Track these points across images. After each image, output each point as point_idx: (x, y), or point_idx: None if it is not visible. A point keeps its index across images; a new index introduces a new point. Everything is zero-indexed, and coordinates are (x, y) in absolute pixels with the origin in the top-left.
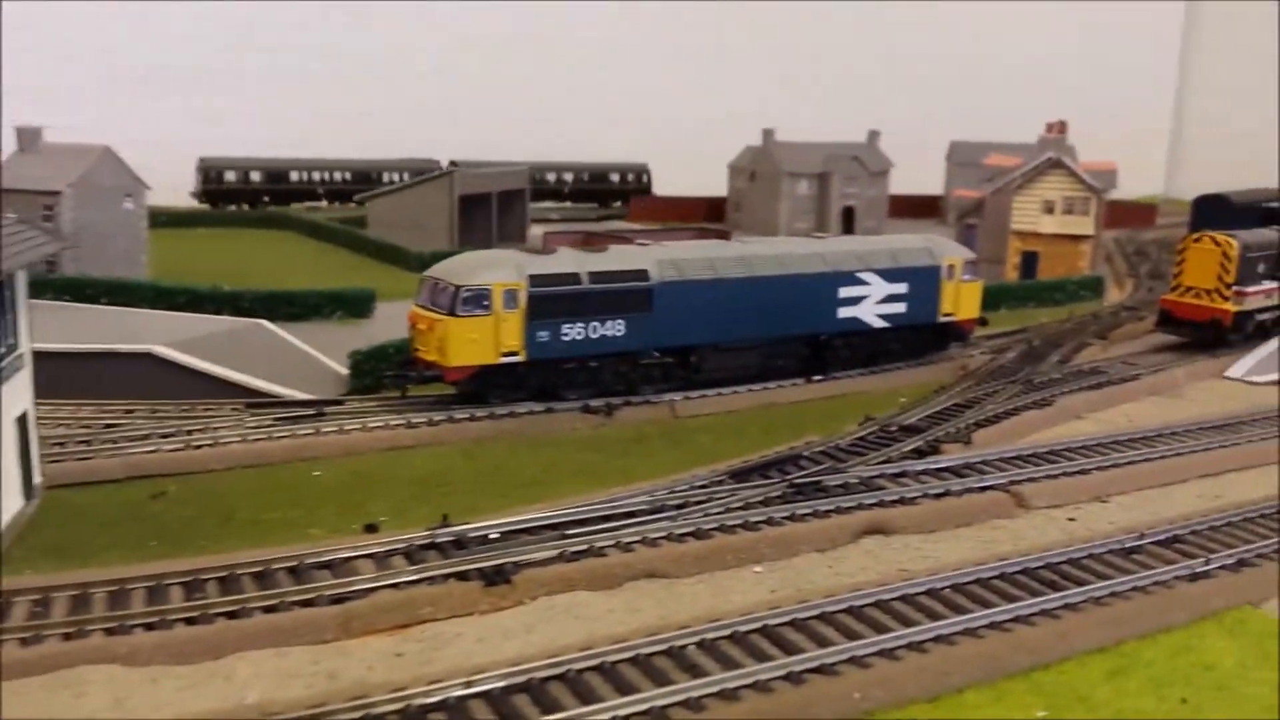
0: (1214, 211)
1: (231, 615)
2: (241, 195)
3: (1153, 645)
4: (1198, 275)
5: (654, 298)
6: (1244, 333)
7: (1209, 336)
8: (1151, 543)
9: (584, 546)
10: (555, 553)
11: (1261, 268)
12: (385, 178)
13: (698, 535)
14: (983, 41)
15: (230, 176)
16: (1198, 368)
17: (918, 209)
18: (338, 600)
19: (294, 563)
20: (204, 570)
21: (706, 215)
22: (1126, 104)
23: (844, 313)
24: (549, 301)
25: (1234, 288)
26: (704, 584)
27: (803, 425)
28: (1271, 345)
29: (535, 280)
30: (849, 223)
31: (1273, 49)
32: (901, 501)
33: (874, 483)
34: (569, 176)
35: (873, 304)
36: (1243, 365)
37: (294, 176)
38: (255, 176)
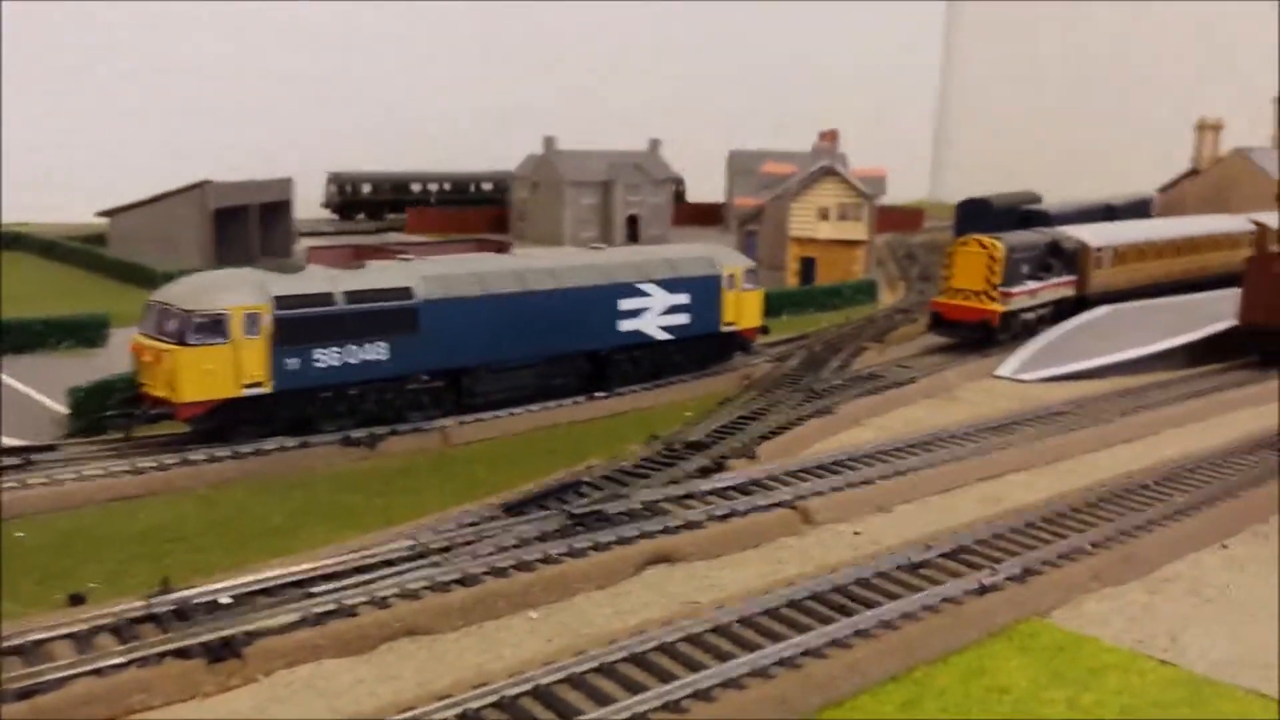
0: (976, 214)
1: None
2: (370, 206)
3: (945, 670)
4: (966, 277)
5: (419, 317)
6: (1011, 332)
7: (979, 337)
8: (938, 555)
9: (332, 606)
10: (297, 616)
11: (1025, 268)
12: (474, 188)
13: (465, 582)
14: (762, 49)
15: (365, 189)
16: (969, 368)
17: (701, 217)
18: (24, 695)
19: None
20: None
21: (491, 226)
22: (892, 109)
23: (625, 326)
24: (298, 325)
25: (1000, 289)
26: (471, 638)
27: (585, 447)
28: (1037, 343)
29: (282, 302)
30: (634, 231)
31: (1031, 49)
32: (687, 526)
33: (658, 507)
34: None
35: (654, 316)
36: (1011, 364)
37: (414, 188)
38: (368, 188)
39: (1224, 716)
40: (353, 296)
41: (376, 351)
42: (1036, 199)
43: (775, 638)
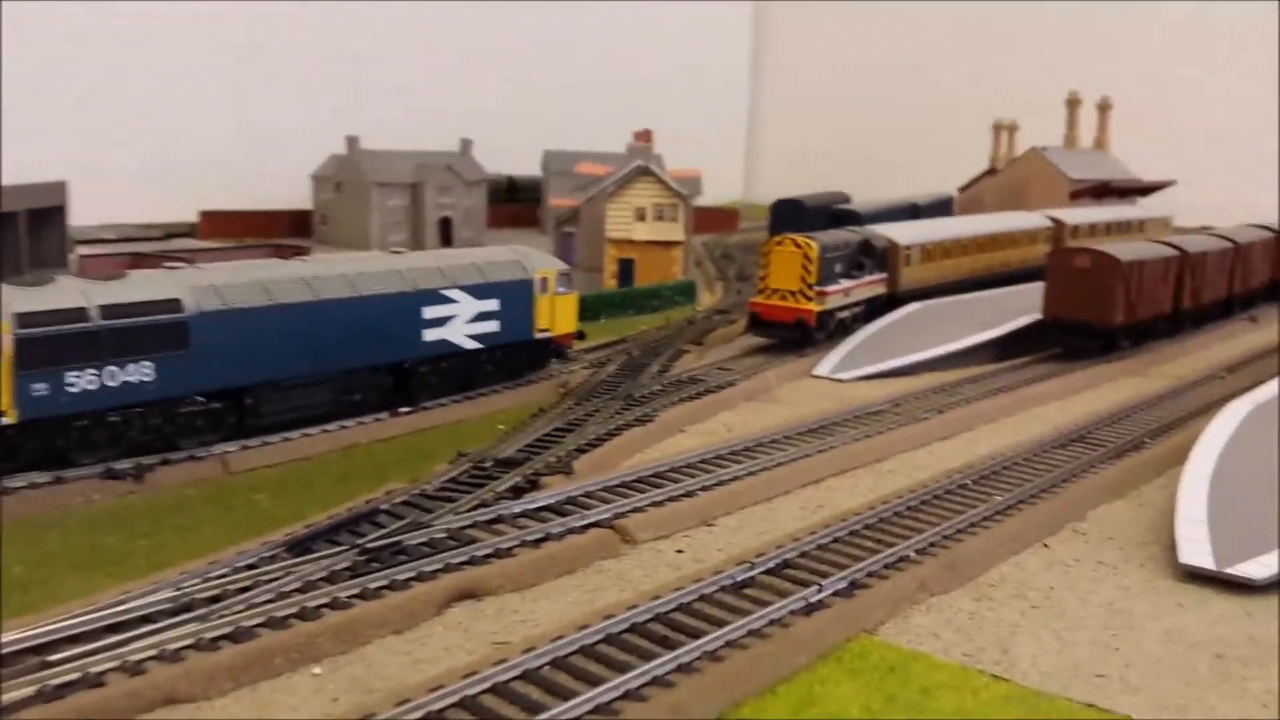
0: (790, 214)
1: None
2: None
3: (774, 702)
4: (782, 277)
5: (190, 332)
6: (827, 331)
7: (797, 337)
8: (762, 572)
9: (75, 675)
10: (32, 690)
11: (838, 267)
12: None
13: (236, 638)
14: (573, 50)
15: None
16: (788, 369)
17: (517, 219)
18: None
19: None
20: None
21: (290, 230)
22: (704, 112)
23: (430, 335)
24: (45, 345)
25: (816, 288)
26: (242, 704)
27: (387, 469)
28: (851, 342)
29: (24, 320)
30: (447, 235)
31: (837, 50)
32: (496, 555)
33: (464, 535)
34: None
35: (462, 324)
36: (828, 363)
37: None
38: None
39: None
40: (110, 311)
41: (140, 372)
42: (846, 199)
43: (590, 681)
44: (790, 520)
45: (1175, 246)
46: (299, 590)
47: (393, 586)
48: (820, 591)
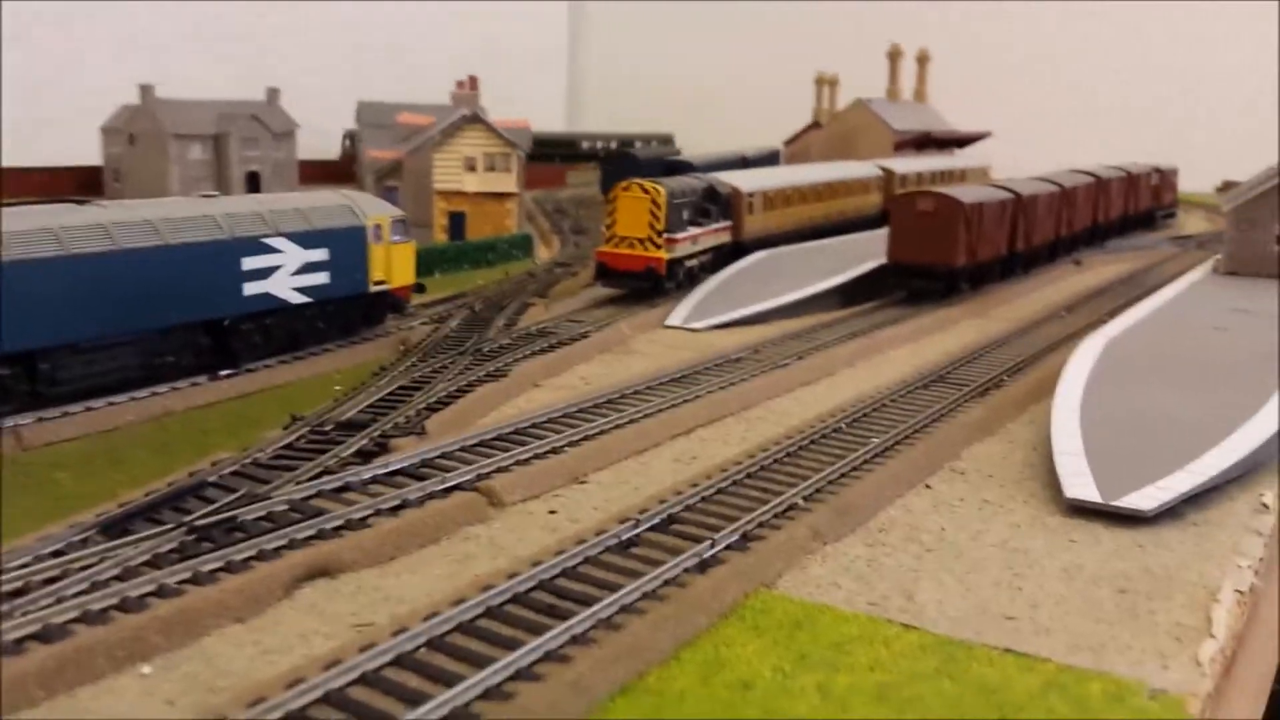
0: (621, 168)
1: None
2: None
3: (680, 669)
4: (630, 224)
5: None
6: (677, 280)
7: (647, 285)
8: (648, 529)
9: None
10: None
11: (686, 214)
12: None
13: (45, 637)
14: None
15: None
16: (641, 319)
17: (331, 175)
18: None
19: None
20: None
21: (78, 189)
22: (525, 71)
23: (251, 288)
24: None
25: (665, 235)
26: (59, 713)
27: (210, 438)
28: (702, 290)
29: None
30: (255, 190)
31: (656, 11)
32: (348, 526)
33: (309, 506)
34: None
35: (287, 275)
36: (680, 312)
37: (584, 146)
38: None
39: (986, 682)
40: None
41: None
42: (676, 151)
43: (475, 662)
44: (666, 473)
45: (1009, 189)
46: (118, 578)
47: (230, 568)
48: (714, 546)
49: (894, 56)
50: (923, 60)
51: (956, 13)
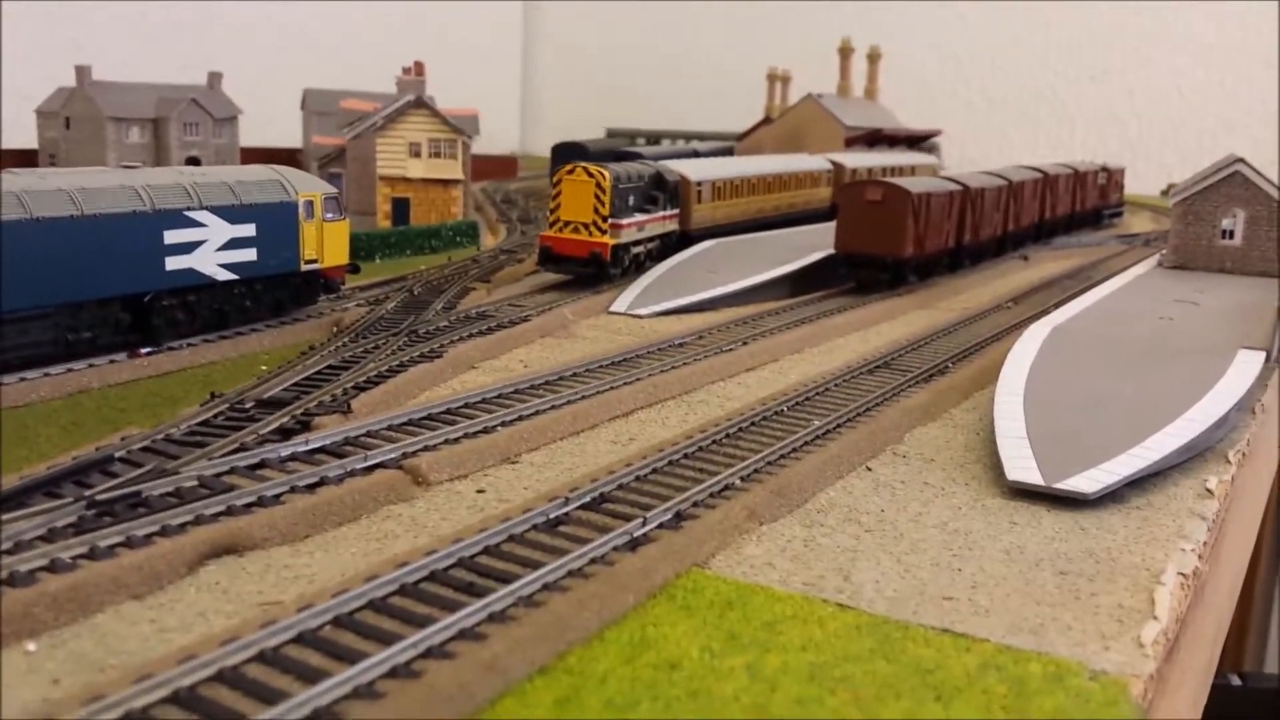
0: (571, 158)
1: None
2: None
3: (603, 649)
4: (574, 208)
5: None
6: (622, 266)
7: (591, 271)
8: (578, 508)
9: None
10: None
11: (632, 200)
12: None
13: None
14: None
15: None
16: (584, 305)
17: (275, 162)
18: None
19: None
20: None
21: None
22: (476, 66)
23: (174, 264)
24: None
25: (610, 220)
26: None
27: (125, 416)
28: (648, 277)
29: None
30: None
31: (609, 5)
32: (260, 503)
33: (219, 483)
34: None
35: (212, 251)
36: (625, 299)
37: (664, 143)
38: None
39: (922, 663)
40: None
41: None
42: (630, 142)
43: (383, 639)
44: (601, 454)
45: (958, 182)
46: (8, 552)
47: (130, 544)
48: (645, 525)
49: (845, 53)
50: (874, 58)
51: (906, 11)
